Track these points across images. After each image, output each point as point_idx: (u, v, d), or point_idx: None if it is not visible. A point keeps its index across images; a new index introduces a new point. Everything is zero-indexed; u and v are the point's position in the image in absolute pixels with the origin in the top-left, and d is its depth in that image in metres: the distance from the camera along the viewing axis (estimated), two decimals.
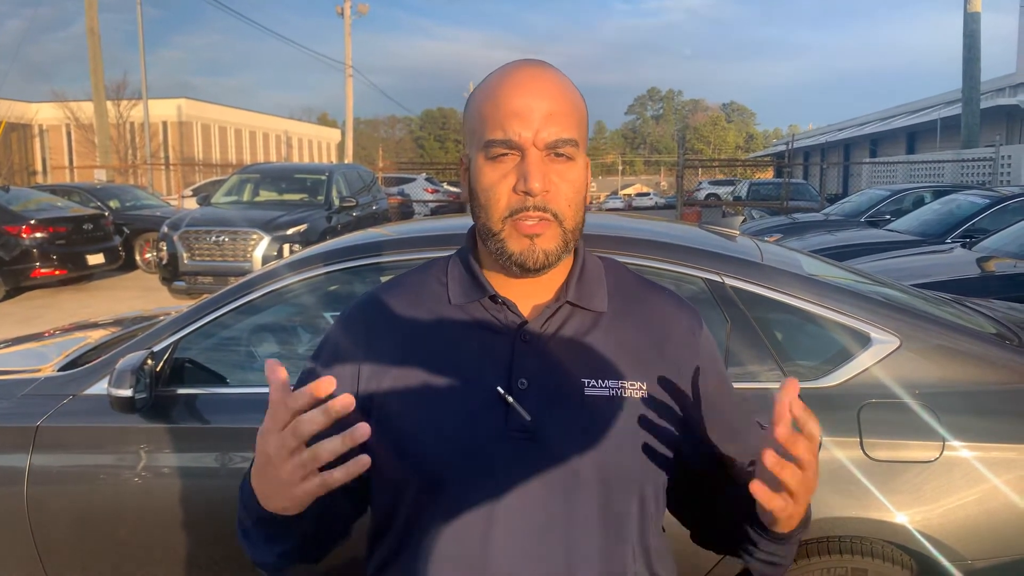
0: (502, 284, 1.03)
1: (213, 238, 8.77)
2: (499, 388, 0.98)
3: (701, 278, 2.15)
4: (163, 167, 29.87)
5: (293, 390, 1.12)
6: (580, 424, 0.98)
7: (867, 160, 28.78)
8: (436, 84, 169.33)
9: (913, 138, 32.70)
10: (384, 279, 2.04)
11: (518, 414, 0.97)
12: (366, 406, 1.03)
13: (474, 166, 0.99)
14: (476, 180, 0.99)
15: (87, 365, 2.39)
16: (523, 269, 0.97)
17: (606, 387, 1.00)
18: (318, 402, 0.80)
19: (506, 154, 0.95)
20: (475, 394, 0.99)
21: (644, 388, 1.01)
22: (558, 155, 0.96)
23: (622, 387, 1.00)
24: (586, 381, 1.00)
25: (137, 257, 12.75)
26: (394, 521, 1.03)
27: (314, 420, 0.80)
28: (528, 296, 1.03)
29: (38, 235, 9.83)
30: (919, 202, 10.80)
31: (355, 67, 32.30)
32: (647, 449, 1.00)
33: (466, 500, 0.97)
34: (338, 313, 1.14)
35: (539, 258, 0.96)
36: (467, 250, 1.07)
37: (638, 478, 1.00)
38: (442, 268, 1.09)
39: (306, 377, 1.08)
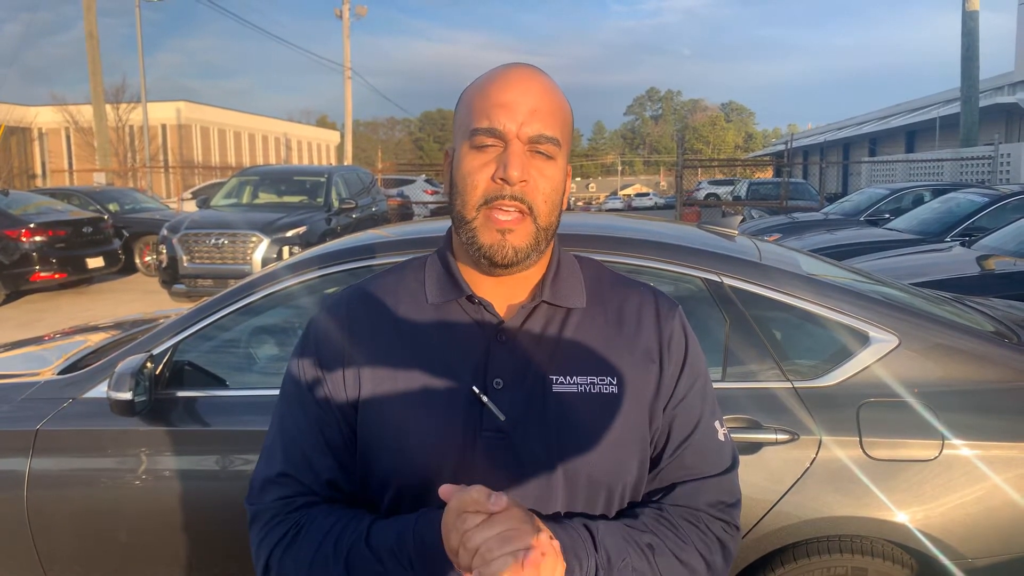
0: (479, 283, 1.04)
1: (213, 241, 8.77)
2: (474, 388, 0.99)
3: (700, 278, 2.15)
4: (162, 170, 29.87)
5: (281, 387, 1.10)
6: (549, 422, 0.99)
7: (866, 159, 28.79)
8: (435, 86, 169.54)
9: (912, 137, 32.72)
10: None
11: (492, 414, 0.98)
12: (349, 409, 1.04)
13: (457, 156, 1.01)
14: (457, 168, 1.00)
15: (87, 368, 2.38)
16: (491, 263, 0.98)
17: (574, 383, 1.00)
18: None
19: (490, 144, 0.97)
20: (452, 394, 1.00)
21: (614, 383, 1.01)
22: (539, 152, 0.97)
23: (591, 383, 1.01)
24: (554, 378, 1.00)
25: (137, 260, 12.76)
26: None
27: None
28: (505, 296, 1.04)
29: (38, 239, 9.84)
30: (918, 201, 10.79)
31: (354, 69, 32.33)
32: (616, 445, 1.00)
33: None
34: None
35: (508, 253, 0.97)
36: (445, 249, 1.09)
37: (607, 475, 1.00)
38: (420, 267, 1.10)
39: (297, 376, 1.07)
